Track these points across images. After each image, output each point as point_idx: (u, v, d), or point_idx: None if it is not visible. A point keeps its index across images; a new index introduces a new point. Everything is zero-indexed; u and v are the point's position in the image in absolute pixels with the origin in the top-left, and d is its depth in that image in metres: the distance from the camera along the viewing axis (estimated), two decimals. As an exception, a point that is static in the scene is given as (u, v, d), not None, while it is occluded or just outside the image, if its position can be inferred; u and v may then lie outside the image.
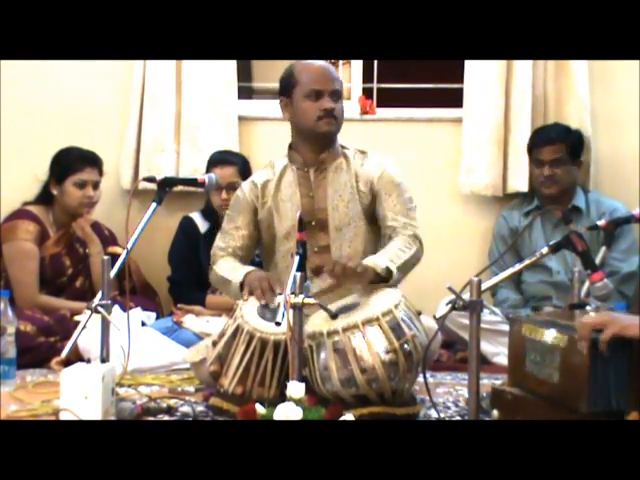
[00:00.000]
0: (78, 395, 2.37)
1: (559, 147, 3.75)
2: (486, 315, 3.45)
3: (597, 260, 2.90)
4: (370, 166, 3.00)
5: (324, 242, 2.98)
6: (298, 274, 2.39)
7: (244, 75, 4.63)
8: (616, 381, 2.08)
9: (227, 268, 2.93)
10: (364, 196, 2.98)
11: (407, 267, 2.82)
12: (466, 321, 2.33)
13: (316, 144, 2.98)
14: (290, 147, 3.06)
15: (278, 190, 3.01)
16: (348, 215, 2.96)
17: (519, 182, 3.99)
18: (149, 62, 4.04)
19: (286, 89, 2.98)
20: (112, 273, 2.59)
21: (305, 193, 3.00)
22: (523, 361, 2.32)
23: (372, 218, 2.99)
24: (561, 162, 3.75)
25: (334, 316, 2.53)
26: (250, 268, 2.87)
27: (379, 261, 2.73)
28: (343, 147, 3.06)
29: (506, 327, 2.73)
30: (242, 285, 2.80)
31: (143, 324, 3.59)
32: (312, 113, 2.91)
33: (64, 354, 2.55)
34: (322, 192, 2.99)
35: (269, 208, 3.00)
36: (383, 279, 2.71)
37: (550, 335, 2.22)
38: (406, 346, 2.51)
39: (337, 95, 2.94)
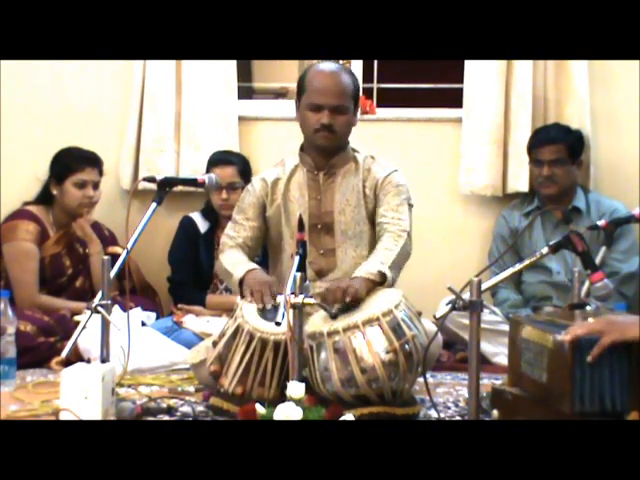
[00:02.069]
0: (78, 395, 2.37)
1: (559, 147, 3.74)
2: (486, 315, 3.45)
3: (597, 260, 2.90)
4: (377, 170, 3.01)
5: (330, 245, 2.99)
6: (298, 274, 2.40)
7: (244, 75, 4.64)
8: (612, 382, 2.07)
9: (232, 260, 2.93)
10: (369, 201, 2.99)
11: (398, 264, 2.82)
12: (466, 321, 2.33)
13: (319, 152, 2.99)
14: (301, 148, 3.06)
15: (287, 190, 3.02)
16: (354, 219, 2.98)
17: (519, 182, 3.99)
18: (149, 62, 4.04)
19: (298, 93, 2.99)
20: (112, 273, 2.59)
21: (313, 196, 3.01)
22: (519, 361, 2.32)
23: (375, 222, 3.00)
24: (560, 162, 3.74)
25: (334, 316, 2.53)
26: (252, 265, 2.87)
27: (370, 267, 2.74)
28: (354, 150, 3.06)
29: (506, 327, 2.73)
30: (241, 282, 2.80)
31: (143, 324, 3.59)
32: (311, 125, 2.92)
33: (64, 354, 2.55)
34: (330, 196, 3.00)
35: (278, 207, 3.02)
36: (379, 283, 2.71)
37: (541, 335, 2.22)
38: (406, 346, 2.51)
39: (340, 110, 2.91)
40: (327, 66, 2.98)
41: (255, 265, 2.89)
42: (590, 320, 2.20)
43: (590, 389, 2.06)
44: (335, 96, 2.90)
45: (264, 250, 3.41)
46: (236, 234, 3.02)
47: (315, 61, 3.08)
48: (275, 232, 3.05)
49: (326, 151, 2.98)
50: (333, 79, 2.93)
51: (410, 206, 2.99)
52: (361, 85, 4.24)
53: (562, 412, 2.08)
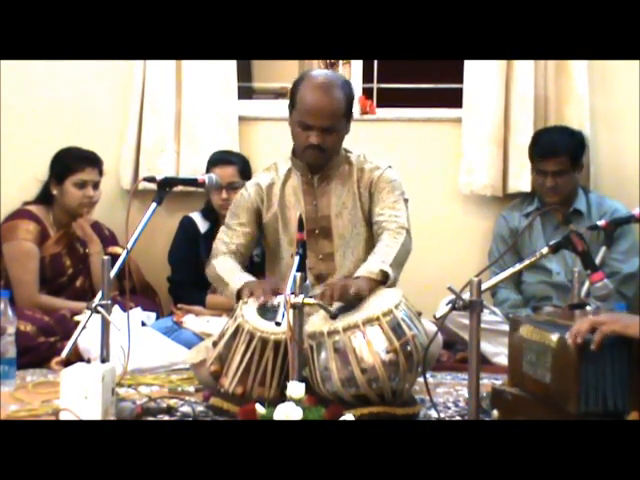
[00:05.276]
0: (78, 395, 2.37)
1: (562, 159, 3.69)
2: (486, 315, 3.44)
3: (597, 260, 2.90)
4: (370, 169, 2.99)
5: (328, 250, 2.98)
6: (298, 274, 2.40)
7: (244, 75, 4.64)
8: (613, 382, 2.07)
9: (226, 268, 2.93)
10: (365, 201, 2.98)
11: (399, 261, 2.80)
12: (466, 321, 2.33)
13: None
14: (293, 153, 3.03)
15: (283, 195, 3.01)
16: (351, 222, 2.97)
17: (519, 182, 3.99)
18: (149, 62, 4.04)
19: (290, 101, 2.95)
20: (112, 273, 2.59)
21: (309, 201, 2.99)
22: (521, 361, 2.32)
23: (372, 223, 2.99)
24: (564, 172, 3.71)
25: (334, 316, 2.53)
26: (250, 277, 2.87)
27: (372, 266, 2.73)
28: (347, 151, 3.05)
29: (506, 327, 2.73)
30: (239, 292, 2.79)
31: (143, 324, 3.59)
32: (300, 141, 2.90)
33: (64, 354, 2.56)
34: (326, 200, 2.99)
35: (275, 213, 3.00)
36: (381, 282, 2.71)
37: (543, 335, 2.22)
38: (406, 346, 2.51)
39: (330, 130, 2.86)
40: (320, 80, 2.89)
41: (252, 277, 2.89)
42: (590, 317, 2.21)
43: (595, 389, 2.06)
44: (325, 118, 2.84)
45: (262, 251, 3.41)
46: (229, 240, 3.01)
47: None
48: (272, 238, 3.04)
49: (316, 166, 2.97)
50: (324, 98, 2.85)
51: (406, 201, 2.97)
52: (361, 85, 4.26)
53: (567, 412, 2.08)
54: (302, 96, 2.88)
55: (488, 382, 2.89)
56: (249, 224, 3.02)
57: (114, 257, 2.75)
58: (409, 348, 2.51)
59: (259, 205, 3.02)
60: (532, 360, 2.26)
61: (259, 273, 3.16)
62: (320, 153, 2.89)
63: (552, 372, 2.16)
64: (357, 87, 4.24)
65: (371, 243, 2.96)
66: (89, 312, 2.53)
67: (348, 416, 2.30)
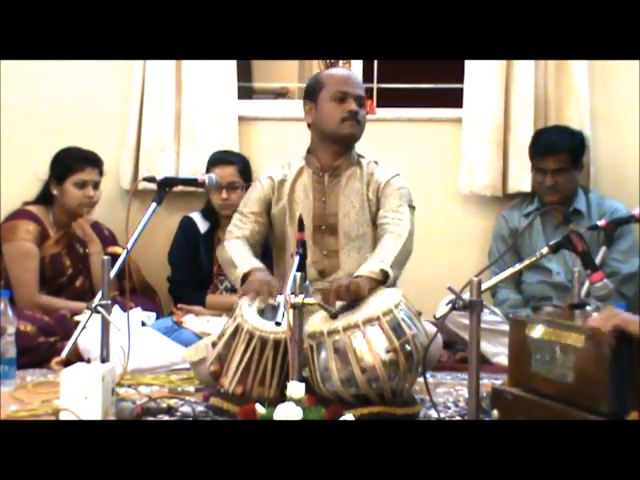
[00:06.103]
0: (78, 395, 2.37)
1: (562, 157, 3.70)
2: (486, 315, 3.45)
3: (597, 260, 2.90)
4: (379, 174, 3.06)
5: (333, 247, 3.02)
6: (298, 274, 2.40)
7: (244, 75, 4.64)
8: (618, 382, 2.08)
9: (238, 252, 2.96)
10: (372, 204, 3.03)
11: (399, 261, 2.83)
12: (466, 321, 2.33)
13: (336, 147, 3.03)
14: (308, 151, 3.10)
15: (293, 191, 3.06)
16: (358, 222, 3.01)
17: (519, 182, 3.99)
18: (149, 62, 4.04)
19: (311, 93, 3.04)
20: (112, 273, 2.59)
21: (318, 197, 3.04)
22: (527, 361, 2.31)
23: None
24: (564, 170, 3.71)
25: (334, 316, 2.53)
26: (258, 264, 2.88)
27: (372, 266, 2.74)
28: (359, 155, 3.10)
29: (506, 327, 2.73)
30: (244, 277, 2.81)
31: (143, 324, 3.59)
32: (337, 115, 2.97)
33: (64, 354, 2.56)
34: (334, 198, 3.04)
35: (283, 207, 3.05)
36: (381, 281, 2.71)
37: (562, 335, 2.21)
38: (407, 346, 2.51)
39: (361, 101, 3.01)
40: (338, 67, 3.16)
41: (261, 264, 2.90)
42: (595, 315, 2.22)
43: (619, 389, 2.07)
44: (358, 86, 3.03)
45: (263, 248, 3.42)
46: (243, 225, 3.06)
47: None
48: (279, 231, 3.08)
49: (348, 142, 3.02)
50: (351, 73, 3.13)
51: (412, 208, 3.02)
52: (361, 85, 4.26)
53: (595, 413, 2.07)
54: (327, 77, 3.04)
55: (488, 382, 2.89)
56: (260, 214, 3.07)
57: (114, 257, 2.75)
58: (409, 348, 2.52)
59: (270, 196, 3.08)
60: (545, 360, 2.25)
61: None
62: (357, 125, 2.99)
63: (576, 372, 2.15)
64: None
65: (377, 244, 2.97)
66: (89, 312, 2.53)
67: (348, 416, 2.30)
